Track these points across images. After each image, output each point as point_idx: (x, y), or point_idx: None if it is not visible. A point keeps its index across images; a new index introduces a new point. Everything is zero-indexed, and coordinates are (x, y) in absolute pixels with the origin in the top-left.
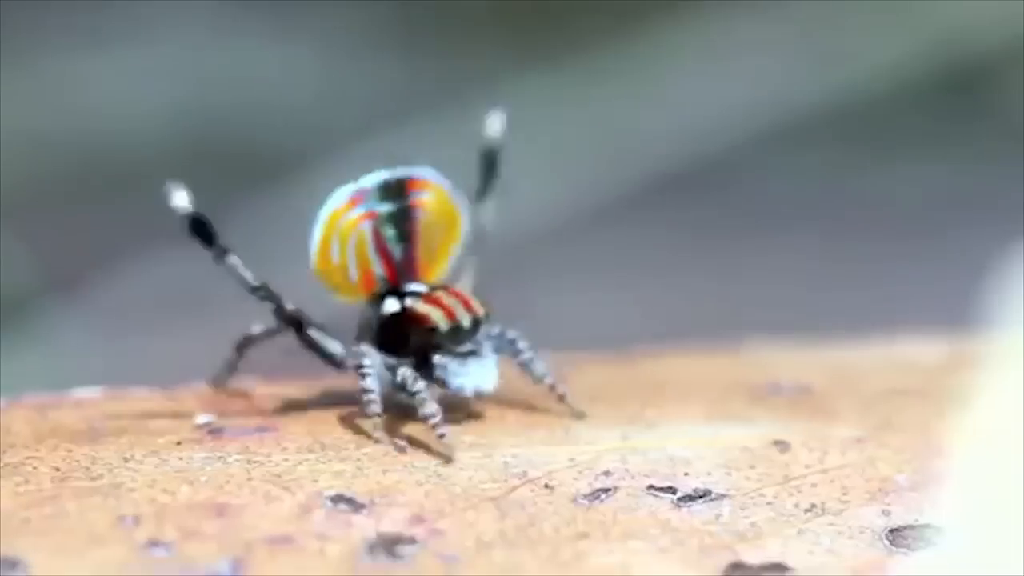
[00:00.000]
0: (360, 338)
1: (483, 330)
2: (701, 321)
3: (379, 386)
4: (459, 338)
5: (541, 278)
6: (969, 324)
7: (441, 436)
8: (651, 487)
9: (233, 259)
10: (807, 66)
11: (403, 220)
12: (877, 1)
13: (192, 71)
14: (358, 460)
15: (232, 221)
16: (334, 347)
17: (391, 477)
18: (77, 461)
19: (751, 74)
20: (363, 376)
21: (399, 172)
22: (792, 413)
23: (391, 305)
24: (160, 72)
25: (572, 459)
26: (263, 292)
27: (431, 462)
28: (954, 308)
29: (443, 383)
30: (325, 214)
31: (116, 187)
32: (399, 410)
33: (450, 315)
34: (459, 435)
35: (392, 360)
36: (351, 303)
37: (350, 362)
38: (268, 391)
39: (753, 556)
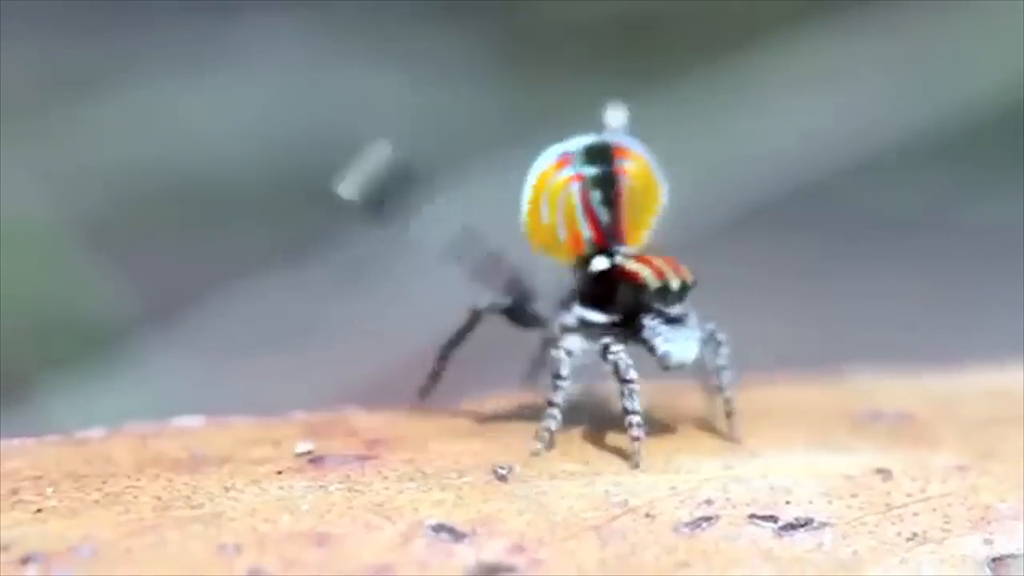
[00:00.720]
0: (567, 304)
1: (691, 302)
2: (802, 348)
3: (565, 403)
4: (667, 300)
5: None
6: None
7: (636, 439)
8: (753, 516)
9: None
10: (910, 89)
11: (609, 185)
12: (982, 22)
13: (288, 99)
14: (459, 489)
15: (325, 249)
16: (541, 306)
17: (492, 506)
18: (178, 490)
19: (852, 99)
20: (556, 388)
21: (606, 137)
22: (894, 441)
23: (600, 263)
24: (256, 100)
25: (673, 488)
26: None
27: (531, 491)
28: None
29: (650, 347)
30: (534, 174)
31: (213, 215)
32: (500, 434)
33: (660, 274)
34: (560, 463)
35: (601, 319)
36: (559, 263)
37: (552, 352)
38: (368, 420)
39: None
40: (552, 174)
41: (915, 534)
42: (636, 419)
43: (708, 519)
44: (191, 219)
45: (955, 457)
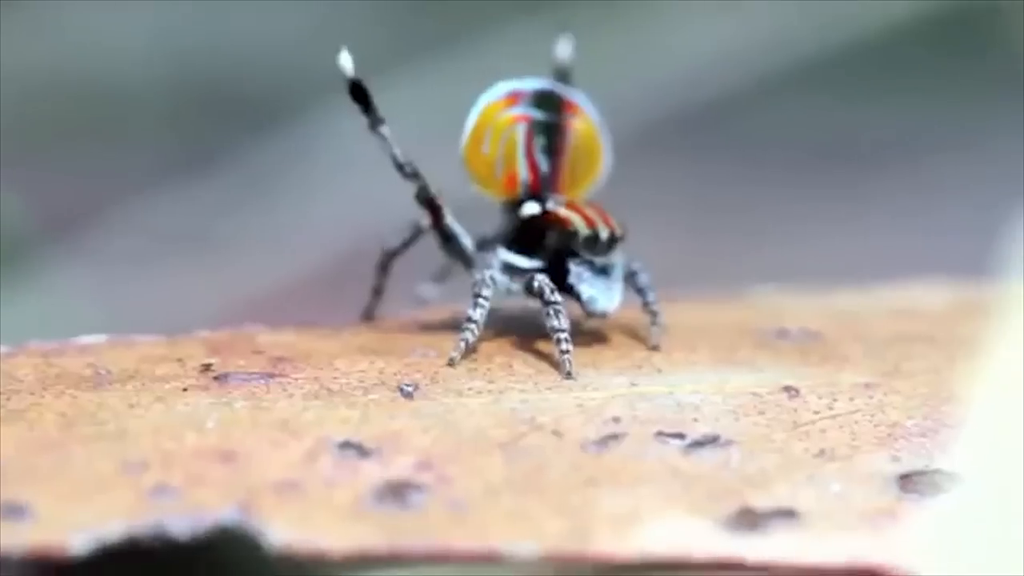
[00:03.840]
0: (490, 247)
1: (617, 251)
2: (707, 267)
3: (484, 320)
4: (595, 249)
5: None
6: (976, 270)
7: (565, 353)
8: (660, 433)
9: (386, 130)
10: (806, 6)
11: (554, 134)
12: None
13: (187, 10)
14: (365, 406)
15: (226, 161)
16: (467, 243)
17: (398, 423)
18: (83, 408)
19: (747, 17)
20: (476, 305)
21: (559, 87)
22: (800, 359)
23: (531, 208)
24: (155, 11)
25: (580, 405)
26: (410, 168)
27: (438, 408)
28: (960, 253)
29: (575, 292)
30: (482, 104)
31: (111, 126)
32: (407, 353)
33: (590, 223)
34: (466, 380)
35: (526, 264)
36: (489, 197)
37: (474, 277)
38: (273, 338)
39: (762, 501)
40: (500, 109)
41: (822, 451)
42: (563, 335)
43: (615, 436)
44: (88, 130)
45: (862, 375)
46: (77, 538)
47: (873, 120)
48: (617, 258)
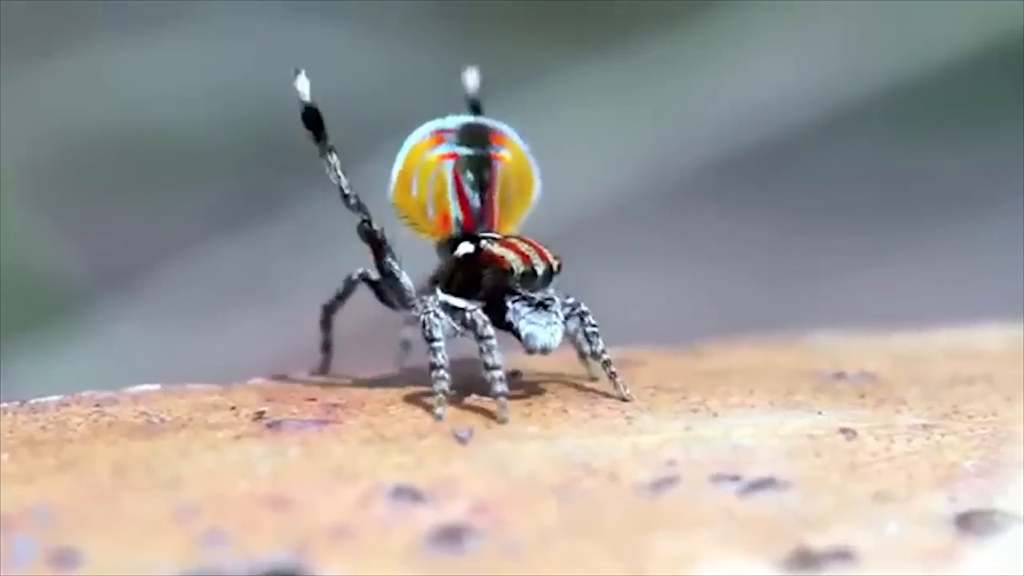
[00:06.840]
0: (431, 288)
1: (556, 285)
2: (763, 309)
3: (448, 362)
4: (532, 285)
5: (601, 267)
6: None
7: (500, 395)
8: (715, 476)
9: (335, 158)
10: (866, 47)
11: (482, 168)
12: None
13: (243, 59)
14: (418, 452)
15: (279, 210)
16: (406, 282)
17: (452, 468)
18: (135, 456)
19: (808, 57)
20: (433, 352)
21: (483, 120)
22: (858, 401)
23: (465, 247)
24: (213, 61)
25: (635, 449)
26: (354, 201)
27: (492, 453)
28: (1017, 295)
29: (514, 330)
30: (407, 146)
31: (168, 177)
32: (461, 397)
33: (525, 259)
34: (521, 425)
35: (462, 303)
36: (424, 239)
37: (419, 320)
38: (326, 385)
39: (819, 543)
40: (426, 149)
41: (879, 493)
42: (498, 374)
43: (670, 480)
44: (146, 180)
45: (920, 416)
46: None
47: (933, 162)
48: (556, 294)
